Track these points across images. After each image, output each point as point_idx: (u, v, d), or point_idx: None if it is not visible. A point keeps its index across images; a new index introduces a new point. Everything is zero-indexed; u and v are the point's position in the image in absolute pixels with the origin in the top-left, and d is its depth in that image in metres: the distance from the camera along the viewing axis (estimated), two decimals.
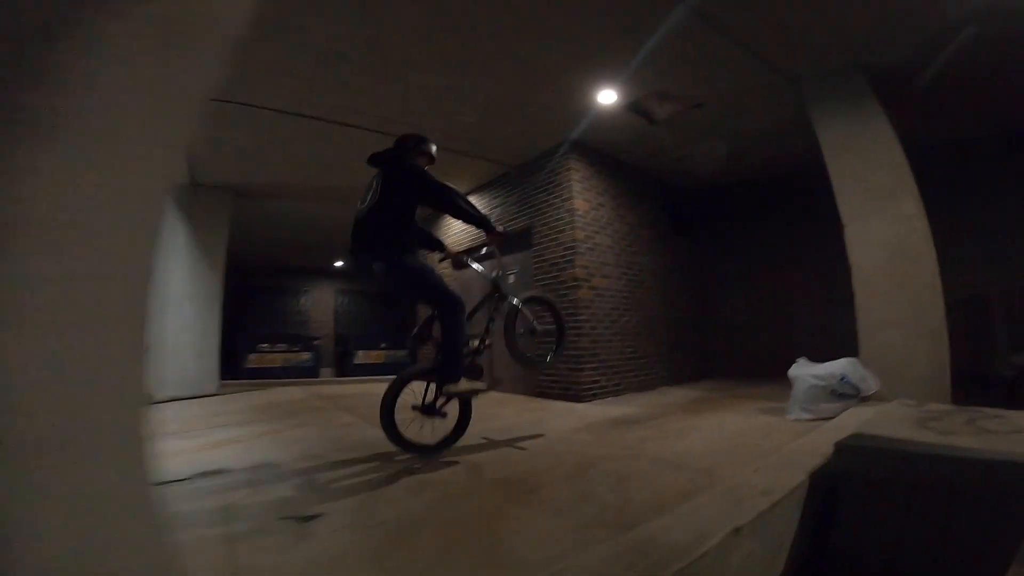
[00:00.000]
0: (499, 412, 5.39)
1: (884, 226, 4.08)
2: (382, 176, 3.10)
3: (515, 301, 3.77)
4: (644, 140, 6.20)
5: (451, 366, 3.13)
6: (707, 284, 8.07)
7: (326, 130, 5.81)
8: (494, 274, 3.82)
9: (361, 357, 13.64)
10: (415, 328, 3.57)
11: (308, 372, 12.74)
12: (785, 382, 4.27)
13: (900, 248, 3.98)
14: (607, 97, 5.22)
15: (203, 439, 4.16)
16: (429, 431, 3.28)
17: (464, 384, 3.21)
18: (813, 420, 3.83)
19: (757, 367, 7.42)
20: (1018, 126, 5.55)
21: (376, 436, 3.42)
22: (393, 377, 3.14)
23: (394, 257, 2.95)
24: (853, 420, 3.26)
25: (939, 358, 3.75)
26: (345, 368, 13.76)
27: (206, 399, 7.53)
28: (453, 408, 3.40)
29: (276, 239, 11.85)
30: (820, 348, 6.84)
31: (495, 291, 3.83)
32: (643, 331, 6.61)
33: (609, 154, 6.54)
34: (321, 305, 15.00)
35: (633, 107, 5.45)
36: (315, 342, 13.45)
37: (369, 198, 3.05)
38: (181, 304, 7.92)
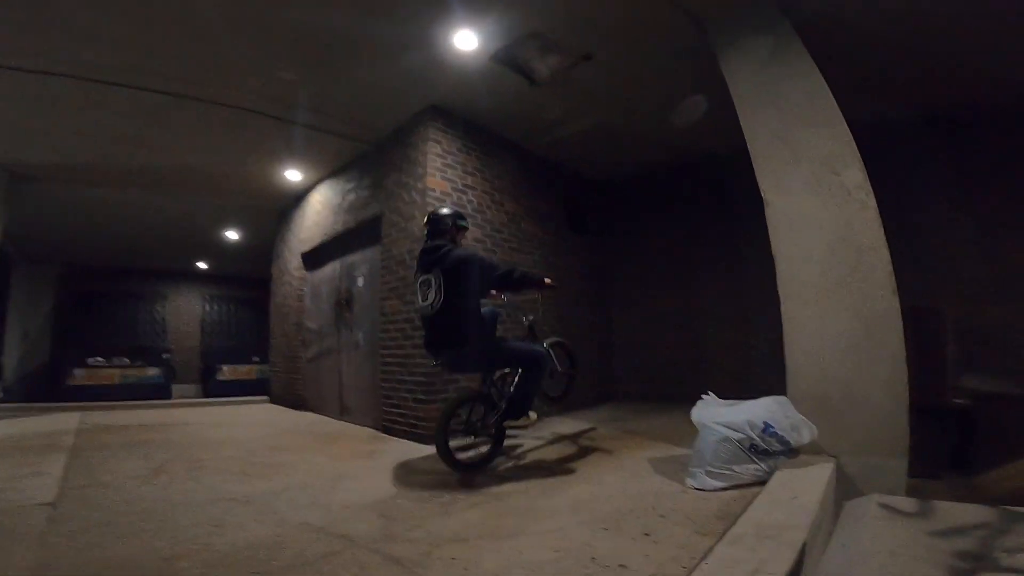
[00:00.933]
0: (314, 456, 4.02)
1: (819, 204, 2.96)
2: (441, 274, 3.20)
3: (545, 344, 4.02)
4: (528, 109, 4.94)
5: (522, 406, 3.44)
6: (609, 291, 6.87)
7: (108, 95, 4.72)
8: (529, 319, 4.19)
9: (227, 373, 11.67)
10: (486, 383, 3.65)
11: (157, 391, 10.65)
12: (686, 413, 3.11)
13: (843, 234, 2.86)
14: (466, 41, 3.90)
15: None
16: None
17: (522, 419, 3.50)
18: (725, 489, 2.63)
19: (664, 390, 6.30)
20: (947, 108, 4.73)
21: None
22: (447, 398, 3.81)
23: (477, 347, 3.23)
24: (783, 503, 2.08)
25: (896, 392, 2.63)
26: (208, 385, 11.74)
27: None
28: None
29: (113, 236, 9.75)
30: (738, 371, 5.96)
31: (529, 335, 4.10)
32: None
33: (484, 127, 5.21)
34: (184, 313, 12.79)
35: (505, 60, 4.15)
36: (165, 355, 11.33)
37: (432, 297, 3.21)
38: None
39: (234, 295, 13.24)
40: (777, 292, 3.04)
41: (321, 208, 6.55)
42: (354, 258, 5.73)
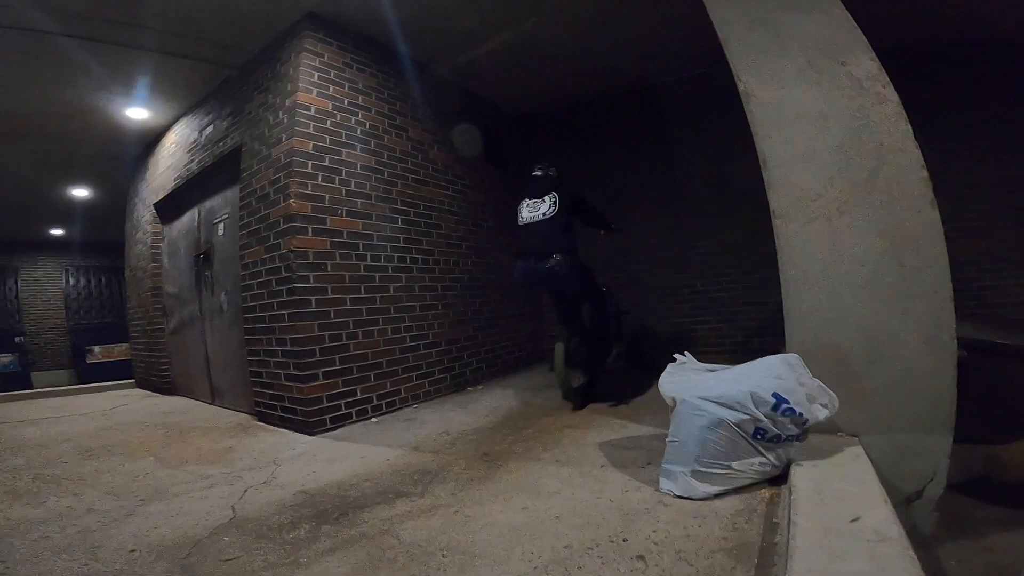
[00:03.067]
0: (141, 461, 2.92)
1: (819, 95, 2.15)
2: (557, 195, 3.41)
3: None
4: (436, 20, 3.92)
5: (607, 343, 4.02)
6: None
7: None
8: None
9: (99, 354, 10.00)
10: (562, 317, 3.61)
11: (11, 380, 8.88)
12: (640, 376, 2.34)
13: (856, 129, 2.05)
14: None
15: None
16: None
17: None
18: (719, 495, 1.84)
19: None
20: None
21: None
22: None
23: (575, 259, 3.36)
24: (842, 531, 1.37)
25: (939, 342, 1.90)
26: (78, 369, 10.03)
27: None
28: None
29: None
30: (683, 320, 5.21)
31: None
32: (435, 303, 4.33)
33: (382, 43, 4.12)
34: (43, 289, 10.81)
35: None
36: (19, 339, 9.52)
37: (547, 209, 3.40)
38: None
39: (101, 264, 11.32)
40: (770, 211, 2.22)
41: (176, 149, 5.24)
42: (213, 202, 4.51)
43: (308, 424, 3.22)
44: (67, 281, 11.02)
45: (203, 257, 4.43)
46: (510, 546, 1.65)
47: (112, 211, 8.90)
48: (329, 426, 3.31)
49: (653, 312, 5.39)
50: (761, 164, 2.22)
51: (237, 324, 3.97)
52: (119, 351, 10.09)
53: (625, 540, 1.62)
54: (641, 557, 1.51)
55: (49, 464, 2.93)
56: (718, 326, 5.12)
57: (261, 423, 3.67)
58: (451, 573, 1.53)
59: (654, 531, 1.66)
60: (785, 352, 2.03)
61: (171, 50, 4.16)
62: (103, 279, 11.36)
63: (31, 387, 9.01)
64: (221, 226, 4.26)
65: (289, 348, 3.28)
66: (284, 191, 3.35)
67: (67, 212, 9.13)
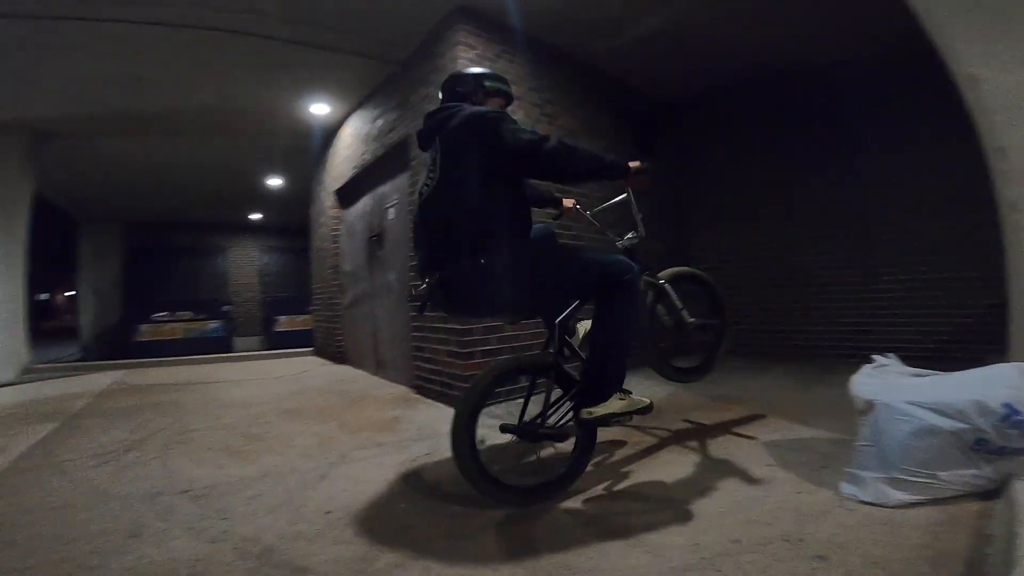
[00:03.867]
0: (324, 425, 3.26)
1: None
2: (440, 143, 1.95)
3: (660, 280, 2.52)
4: (582, 10, 3.85)
5: (611, 373, 1.99)
6: (686, 222, 5.65)
7: (103, 33, 4.16)
8: (627, 238, 2.46)
9: (283, 323, 11.44)
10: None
11: (218, 344, 10.53)
12: (800, 375, 2.28)
13: None
14: None
15: None
16: None
17: (617, 403, 1.96)
18: (912, 504, 1.60)
19: (760, 343, 5.12)
20: None
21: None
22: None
23: (501, 258, 1.81)
24: None
25: None
26: (268, 337, 11.60)
27: None
28: None
29: (164, 191, 9.54)
30: (860, 322, 4.59)
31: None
32: None
33: (528, 33, 4.11)
34: (243, 265, 12.65)
35: None
36: (225, 308, 11.20)
37: (430, 179, 1.98)
38: None
39: (288, 245, 12.96)
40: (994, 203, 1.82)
41: (351, 140, 5.79)
42: (384, 189, 4.86)
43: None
44: (261, 258, 12.77)
45: (376, 239, 4.79)
46: (684, 554, 1.55)
47: (297, 198, 10.11)
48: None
49: (820, 310, 4.81)
50: (994, 154, 1.84)
51: (404, 302, 4.24)
52: (299, 321, 11.48)
53: (801, 540, 1.50)
54: (822, 557, 1.40)
55: (255, 423, 3.37)
56: (900, 329, 4.41)
57: (419, 396, 3.90)
58: (613, 559, 1.50)
59: (835, 534, 1.52)
60: (1013, 361, 1.68)
61: (347, 48, 4.54)
62: (288, 257, 12.98)
63: (232, 351, 10.61)
64: (392, 211, 4.57)
65: (452, 326, 3.41)
66: None
67: (263, 199, 10.54)
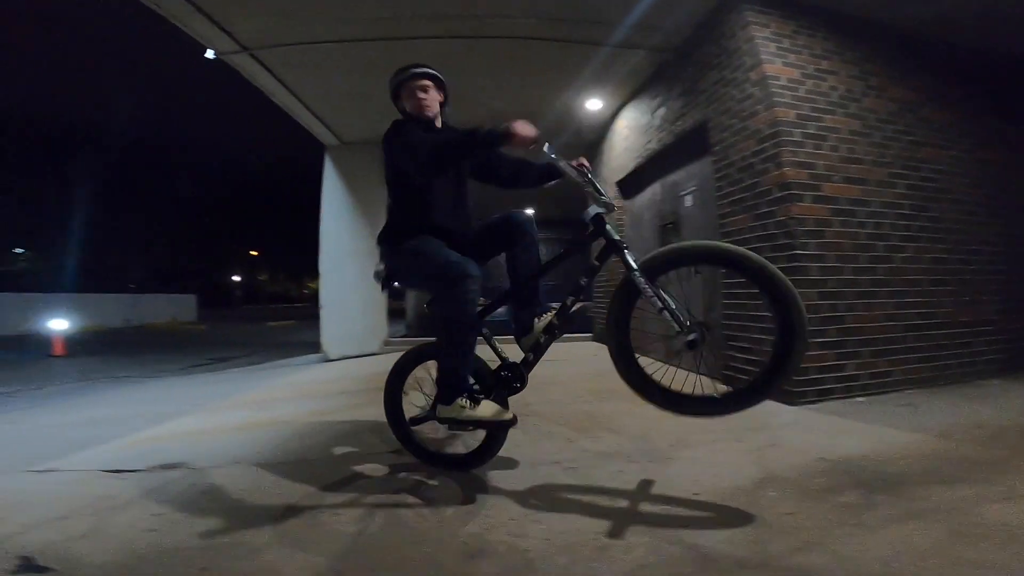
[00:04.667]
0: (641, 408, 3.31)
1: None
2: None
3: (635, 270, 2.00)
4: None
5: (442, 374, 2.19)
6: None
7: (421, 53, 4.62)
8: (593, 211, 2.14)
9: None
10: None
11: (505, 327, 11.86)
12: None
13: None
14: None
15: (250, 415, 3.86)
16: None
17: (460, 409, 2.14)
18: None
19: None
20: None
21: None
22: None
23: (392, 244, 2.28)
24: None
25: None
26: None
27: (365, 359, 7.10)
28: None
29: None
30: None
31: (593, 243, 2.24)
32: (945, 278, 3.63)
33: (820, 6, 3.72)
34: None
35: None
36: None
37: None
38: (344, 262, 7.40)
39: (557, 236, 13.85)
40: None
41: (628, 132, 5.96)
42: (676, 176, 4.84)
43: (791, 394, 3.16)
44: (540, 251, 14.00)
45: (671, 227, 4.81)
46: None
47: (567, 192, 10.73)
48: (812, 398, 3.19)
49: None
50: None
51: (707, 289, 4.19)
52: None
53: None
54: None
55: (577, 400, 3.69)
56: None
57: (727, 386, 3.78)
58: None
59: None
60: None
61: (620, 42, 4.67)
62: (557, 249, 13.90)
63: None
64: (688, 198, 4.53)
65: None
66: (774, 160, 3.32)
67: (535, 195, 11.49)
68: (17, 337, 14.80)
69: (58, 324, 11.25)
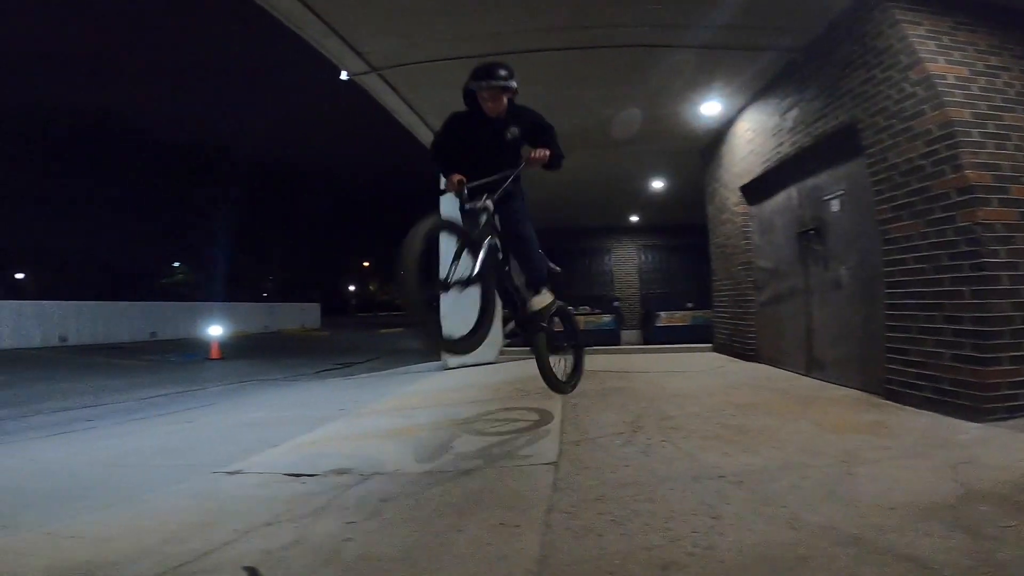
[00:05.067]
0: (794, 422, 3.27)
1: None
2: None
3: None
4: None
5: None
6: None
7: (539, 65, 4.96)
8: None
9: (664, 319, 12.05)
10: None
11: (610, 336, 11.84)
12: None
13: None
14: None
15: (392, 421, 4.06)
16: None
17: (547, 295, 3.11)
18: None
19: None
20: None
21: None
22: None
23: None
24: None
25: None
26: (648, 331, 12.42)
27: (481, 367, 7.32)
28: None
29: (568, 199, 11.23)
30: None
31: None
32: None
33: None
34: (625, 263, 13.92)
35: None
36: (615, 303, 12.47)
37: None
38: None
39: (663, 243, 13.65)
40: None
41: (752, 135, 5.77)
42: (817, 180, 4.62)
43: (977, 410, 2.91)
44: (639, 257, 13.80)
45: (812, 233, 4.60)
46: None
47: (674, 197, 10.58)
48: (1002, 415, 2.90)
49: None
50: None
51: (861, 299, 3.97)
52: (678, 317, 11.96)
53: None
54: None
55: (719, 413, 3.61)
56: None
57: (890, 401, 3.56)
58: None
59: None
60: None
61: (741, 45, 4.63)
62: (663, 255, 13.67)
63: (619, 343, 11.72)
64: (836, 202, 4.31)
65: (967, 327, 3.01)
66: (950, 162, 3.09)
67: (643, 201, 11.38)
68: (177, 341, 16.92)
69: (215, 330, 12.74)
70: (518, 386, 5.39)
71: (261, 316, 22.77)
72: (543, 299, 3.02)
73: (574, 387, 3.56)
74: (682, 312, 11.86)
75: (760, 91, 5.47)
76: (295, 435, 3.78)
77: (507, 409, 4.26)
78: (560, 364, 3.43)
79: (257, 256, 32.51)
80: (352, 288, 49.80)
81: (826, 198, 4.46)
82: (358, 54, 4.77)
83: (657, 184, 10.04)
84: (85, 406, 5.75)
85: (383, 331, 21.75)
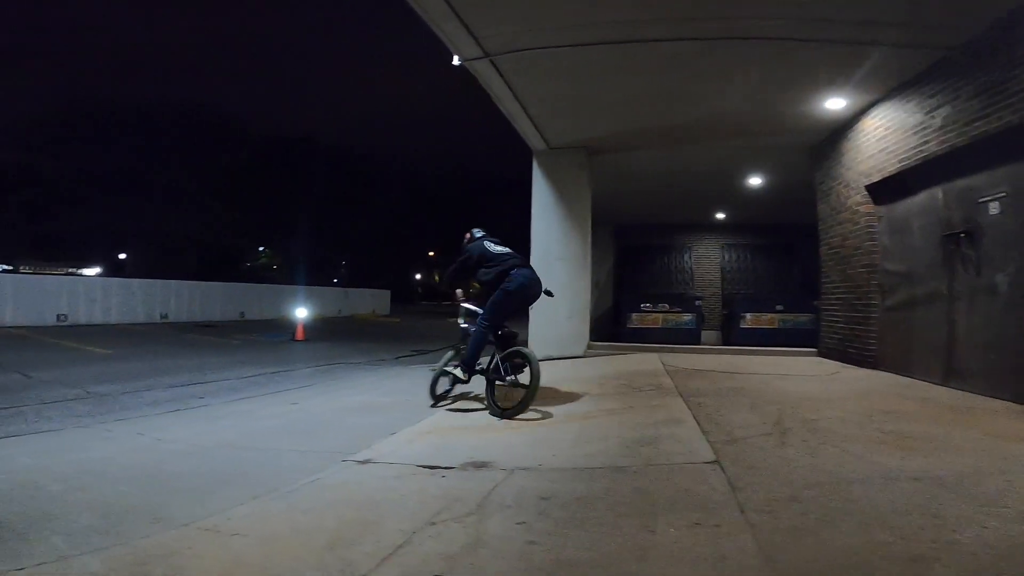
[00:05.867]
0: (951, 430, 3.11)
1: None
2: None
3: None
4: None
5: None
6: None
7: (643, 54, 5.07)
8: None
9: (749, 321, 11.68)
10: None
11: (689, 335, 11.58)
12: None
13: None
14: None
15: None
16: None
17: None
18: None
19: None
20: None
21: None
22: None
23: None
24: None
25: None
26: (730, 332, 12.06)
27: (571, 361, 7.39)
28: None
29: (649, 195, 11.17)
30: None
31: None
32: None
33: None
34: (706, 262, 13.55)
35: None
36: (697, 302, 12.18)
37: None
38: (553, 265, 7.81)
39: (750, 243, 13.19)
40: None
41: (886, 132, 5.50)
42: (970, 181, 4.37)
43: None
44: (722, 256, 13.42)
45: (963, 236, 4.37)
46: None
47: (770, 195, 10.23)
48: None
49: None
50: None
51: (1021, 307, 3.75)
52: (765, 319, 11.56)
53: None
54: None
55: (866, 419, 3.51)
56: None
57: None
58: None
59: None
60: None
61: (888, 41, 4.43)
62: (749, 255, 13.24)
63: (700, 343, 11.44)
64: (995, 204, 4.07)
65: None
66: None
67: (733, 198, 11.04)
68: (264, 321, 17.86)
69: (301, 313, 13.38)
70: (622, 381, 5.39)
71: (336, 300, 23.70)
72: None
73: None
74: (770, 314, 11.46)
75: (898, 87, 5.22)
76: (407, 422, 3.88)
77: (626, 406, 4.26)
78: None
79: (334, 242, 33.84)
80: (418, 276, 51.12)
81: (982, 200, 4.21)
82: (475, 38, 4.77)
83: (753, 181, 9.72)
84: (192, 383, 6.13)
85: (451, 320, 22.12)
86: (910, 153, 5.03)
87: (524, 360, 4.12)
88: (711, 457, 2.77)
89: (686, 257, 13.67)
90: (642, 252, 13.77)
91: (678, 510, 2.12)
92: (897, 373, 5.25)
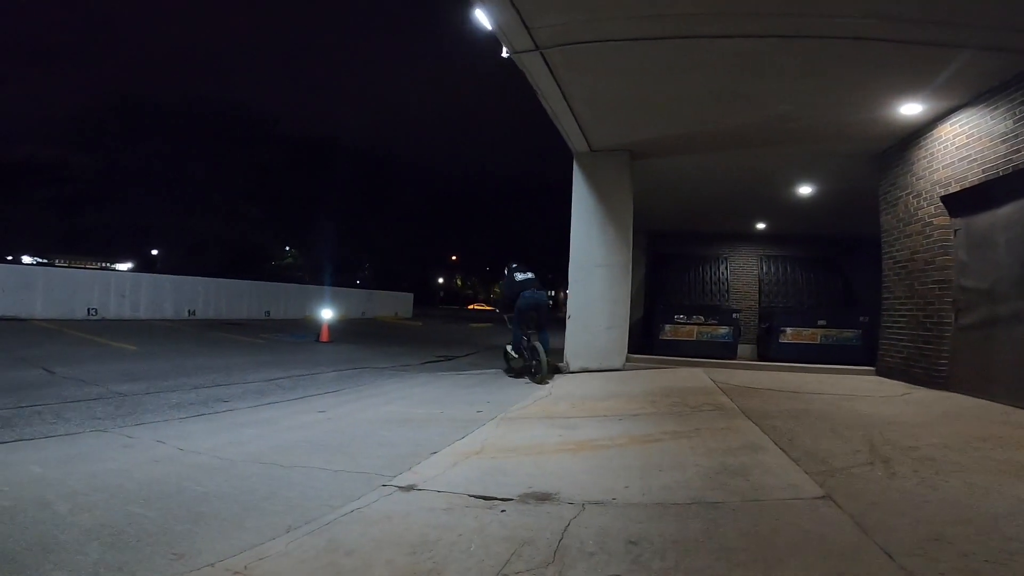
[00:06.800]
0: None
1: None
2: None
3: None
4: None
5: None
6: None
7: (703, 51, 4.80)
8: None
9: (789, 335, 11.23)
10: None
11: (725, 349, 11.18)
12: None
13: None
14: None
15: (555, 432, 3.88)
16: None
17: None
18: None
19: None
20: None
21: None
22: None
23: None
24: None
25: None
26: (768, 347, 11.63)
27: (609, 374, 7.12)
28: None
29: (686, 202, 10.93)
30: None
31: None
32: None
33: None
34: (743, 273, 13.12)
35: None
36: (735, 315, 11.79)
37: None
38: (593, 273, 7.55)
39: (791, 255, 12.74)
40: None
41: (968, 140, 5.15)
42: None
43: None
44: (761, 267, 13.00)
45: None
46: None
47: (819, 205, 9.85)
48: None
49: None
50: None
51: None
52: (806, 334, 11.12)
53: None
54: None
55: (968, 447, 3.21)
56: None
57: None
58: None
59: None
60: None
61: (978, 43, 4.15)
62: (790, 267, 12.80)
63: (736, 357, 11.05)
64: None
65: None
66: None
67: (776, 208, 10.67)
68: (289, 321, 17.85)
69: (327, 314, 13.27)
70: (674, 398, 5.07)
71: (360, 302, 23.64)
72: None
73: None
74: (812, 329, 11.03)
75: (984, 93, 4.88)
76: (445, 439, 3.63)
77: (691, 428, 3.91)
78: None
79: (357, 243, 33.96)
80: (440, 280, 51.20)
81: None
82: (527, 29, 4.53)
83: (801, 190, 9.34)
84: (217, 384, 5.93)
85: (474, 325, 22.00)
86: (998, 162, 4.69)
87: (534, 349, 6.67)
88: (818, 492, 2.48)
89: (722, 268, 13.27)
90: (676, 261, 13.38)
91: (806, 557, 1.84)
92: (973, 395, 4.89)
